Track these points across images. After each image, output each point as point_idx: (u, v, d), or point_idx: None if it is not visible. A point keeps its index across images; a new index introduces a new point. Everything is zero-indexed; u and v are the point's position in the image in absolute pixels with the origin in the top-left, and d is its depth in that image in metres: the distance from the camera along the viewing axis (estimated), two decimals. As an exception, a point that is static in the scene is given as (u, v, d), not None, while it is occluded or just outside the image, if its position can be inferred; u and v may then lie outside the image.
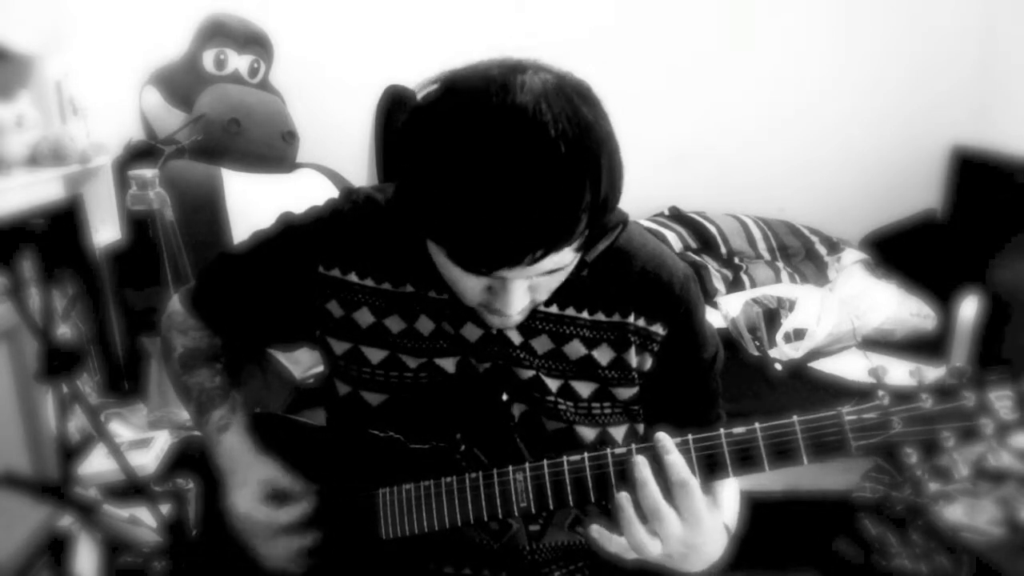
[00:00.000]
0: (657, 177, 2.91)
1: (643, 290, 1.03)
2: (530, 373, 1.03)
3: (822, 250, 2.83)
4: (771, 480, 1.02)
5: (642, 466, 0.86)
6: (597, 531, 0.87)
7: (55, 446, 1.79)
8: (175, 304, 1.23)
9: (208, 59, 2.56)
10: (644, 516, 0.86)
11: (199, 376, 1.17)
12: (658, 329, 1.03)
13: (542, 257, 0.80)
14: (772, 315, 2.38)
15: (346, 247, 1.07)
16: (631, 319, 1.03)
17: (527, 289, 0.90)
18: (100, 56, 2.26)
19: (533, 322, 1.03)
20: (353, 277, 1.07)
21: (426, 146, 0.81)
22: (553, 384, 1.03)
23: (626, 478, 0.88)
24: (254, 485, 1.07)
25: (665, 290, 1.04)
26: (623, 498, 0.86)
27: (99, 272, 2.11)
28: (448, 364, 1.04)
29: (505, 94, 0.78)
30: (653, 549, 0.85)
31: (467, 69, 0.84)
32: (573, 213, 0.79)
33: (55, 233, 1.89)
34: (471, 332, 1.04)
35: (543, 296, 0.94)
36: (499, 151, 0.77)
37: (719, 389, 1.11)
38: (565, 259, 0.85)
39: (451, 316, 1.03)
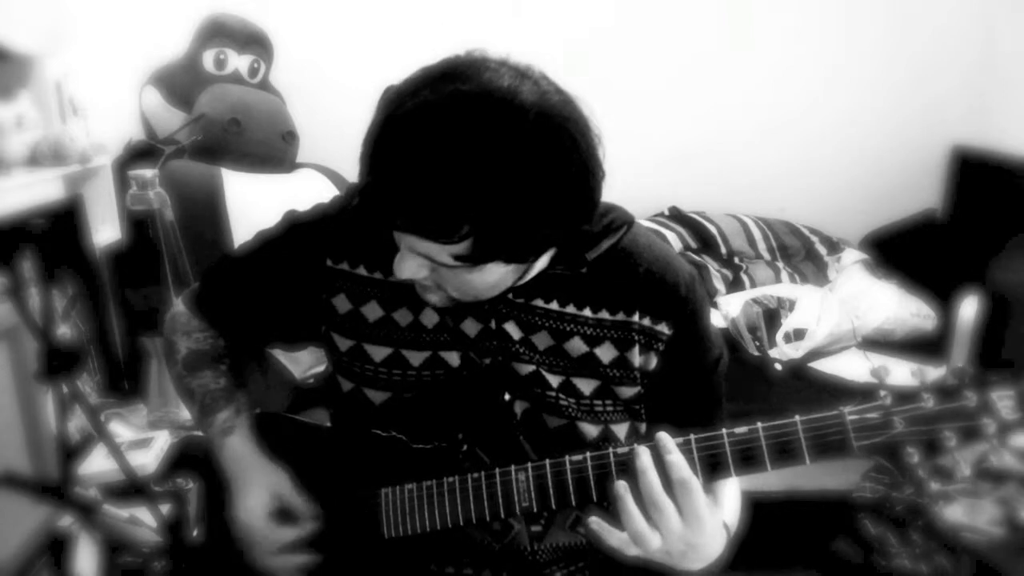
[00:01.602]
0: (657, 177, 2.91)
1: (649, 290, 1.03)
2: (530, 368, 1.03)
3: (822, 250, 2.84)
4: (771, 480, 1.02)
5: (643, 455, 0.87)
6: (596, 523, 0.88)
7: (55, 446, 1.78)
8: (179, 306, 1.23)
9: (208, 59, 2.56)
10: (644, 508, 0.86)
11: (203, 378, 1.17)
12: (663, 328, 1.03)
13: (405, 229, 0.85)
14: (772, 315, 2.39)
15: (354, 241, 1.08)
16: (636, 318, 1.03)
17: (421, 266, 0.91)
18: (100, 56, 2.26)
19: (532, 318, 1.03)
20: (362, 270, 1.07)
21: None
22: (554, 380, 1.03)
23: (628, 477, 0.88)
24: (260, 496, 1.07)
25: (671, 290, 1.04)
26: (621, 487, 0.87)
27: (99, 272, 2.10)
28: (452, 357, 1.05)
29: (438, 88, 0.82)
30: (653, 542, 0.85)
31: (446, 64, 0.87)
32: (432, 209, 0.82)
33: (55, 233, 1.89)
34: (471, 327, 1.04)
35: (453, 290, 0.95)
36: (404, 132, 0.82)
37: (723, 393, 1.11)
38: (435, 252, 0.86)
39: (452, 310, 1.03)
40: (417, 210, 0.82)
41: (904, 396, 0.82)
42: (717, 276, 2.67)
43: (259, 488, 1.08)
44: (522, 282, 0.99)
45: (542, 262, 0.99)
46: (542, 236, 0.88)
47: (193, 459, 1.88)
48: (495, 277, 0.92)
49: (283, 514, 1.08)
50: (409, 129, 0.81)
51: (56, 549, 1.69)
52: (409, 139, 0.81)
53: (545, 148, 0.82)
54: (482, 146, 0.79)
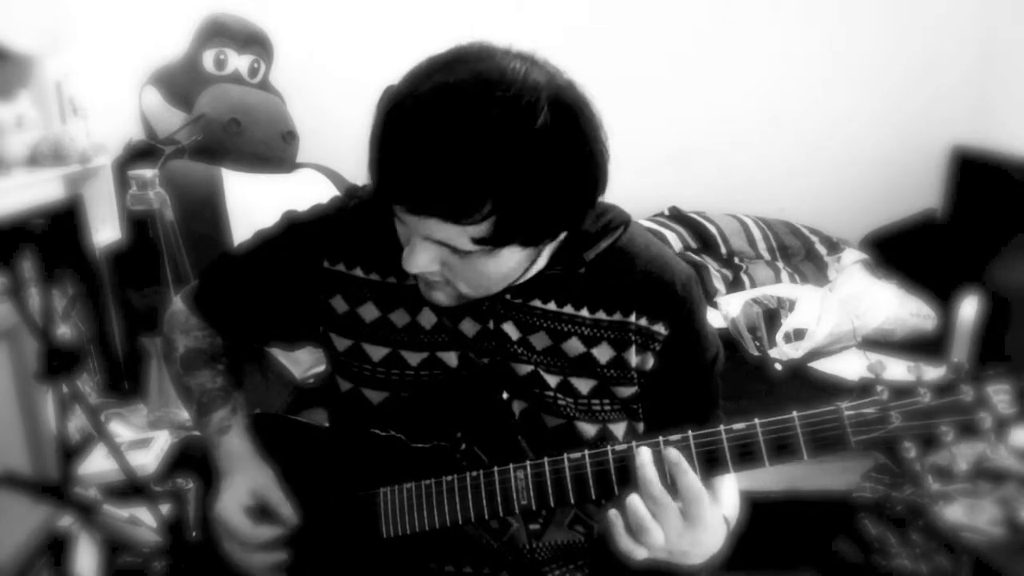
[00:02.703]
0: (657, 177, 2.91)
1: (645, 290, 1.03)
2: (528, 368, 1.03)
3: (822, 250, 2.84)
4: (771, 480, 1.02)
5: (642, 453, 0.87)
6: (615, 515, 0.87)
7: (55, 446, 1.78)
8: (177, 304, 1.23)
9: (208, 59, 2.57)
10: (647, 506, 0.86)
11: (200, 377, 1.17)
12: (660, 329, 1.03)
13: (426, 211, 0.84)
14: (772, 315, 2.39)
15: (351, 242, 1.08)
16: (632, 318, 1.03)
17: (433, 259, 0.91)
18: (100, 56, 2.26)
19: (530, 318, 1.03)
20: (358, 272, 1.07)
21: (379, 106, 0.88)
22: (552, 380, 1.04)
23: (627, 474, 0.89)
24: (242, 492, 1.07)
25: (667, 290, 1.04)
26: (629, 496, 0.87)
27: (99, 272, 2.11)
28: (450, 358, 1.05)
29: (449, 71, 0.83)
30: (655, 535, 0.85)
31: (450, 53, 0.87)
32: (456, 187, 0.81)
33: (55, 233, 1.89)
34: (469, 327, 1.04)
35: (464, 285, 0.94)
36: (417, 109, 0.82)
37: (719, 391, 1.11)
38: (454, 236, 0.86)
39: (450, 311, 1.03)
40: (440, 189, 0.82)
41: (901, 391, 0.82)
42: (717, 276, 2.67)
43: (240, 485, 1.08)
44: (522, 280, 0.99)
45: (542, 261, 0.99)
46: (558, 215, 0.88)
47: (193, 459, 1.88)
48: (509, 265, 0.92)
49: (262, 513, 1.08)
50: (427, 109, 0.81)
51: (56, 549, 1.69)
52: (428, 119, 0.81)
53: (561, 126, 0.83)
54: (502, 124, 0.80)
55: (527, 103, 0.81)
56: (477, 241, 0.85)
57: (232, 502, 1.06)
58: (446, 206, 0.82)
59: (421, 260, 0.91)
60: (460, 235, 0.85)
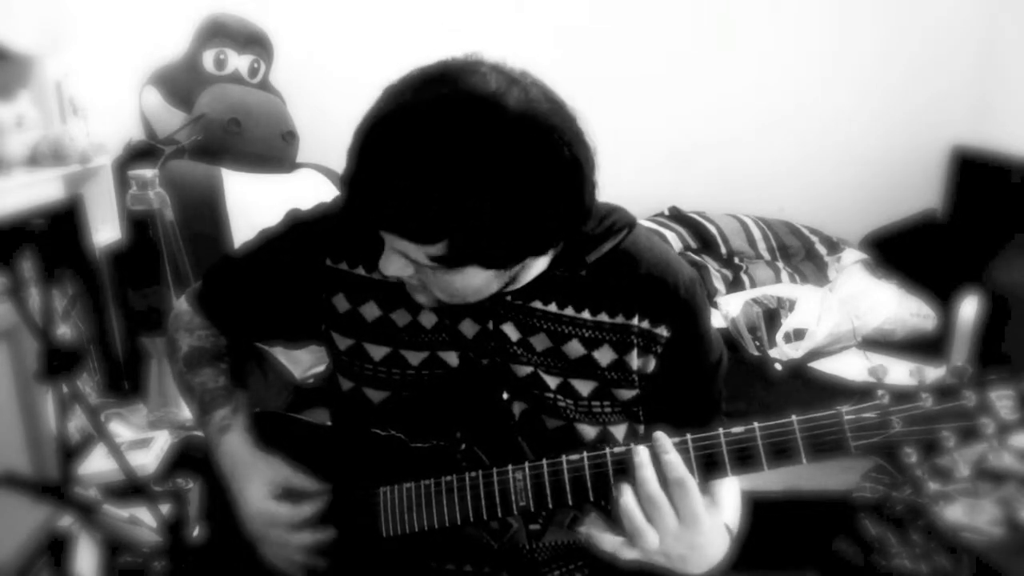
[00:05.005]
0: (657, 177, 2.91)
1: (648, 292, 1.03)
2: (528, 370, 1.03)
3: (822, 250, 2.83)
4: (771, 480, 1.01)
5: (641, 452, 0.87)
6: (587, 533, 0.88)
7: (55, 446, 1.78)
8: (182, 304, 1.24)
9: (208, 59, 2.56)
10: (642, 506, 0.86)
11: (203, 376, 1.18)
12: (662, 331, 1.03)
13: (383, 227, 0.86)
14: (772, 315, 2.39)
15: (353, 241, 1.08)
16: (635, 321, 1.03)
17: (405, 266, 0.92)
18: (100, 56, 2.26)
19: (531, 319, 1.03)
20: (361, 271, 1.08)
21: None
22: (552, 381, 1.04)
23: (625, 477, 0.88)
24: (263, 483, 1.07)
25: (670, 292, 1.03)
26: (623, 487, 0.87)
27: (99, 272, 2.10)
28: (451, 358, 1.05)
29: (421, 90, 0.83)
30: (650, 540, 0.85)
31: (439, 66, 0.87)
32: (408, 210, 0.82)
33: (55, 233, 1.88)
34: (468, 328, 1.04)
35: (439, 292, 0.94)
36: (389, 128, 0.83)
37: (722, 395, 1.11)
38: (412, 251, 0.87)
39: (449, 311, 1.04)
40: (392, 209, 0.83)
41: (902, 396, 0.81)
42: (717, 276, 2.67)
43: (257, 480, 1.08)
44: (517, 286, 0.99)
45: (539, 265, 0.99)
46: (521, 244, 0.88)
47: (193, 459, 1.88)
48: (477, 281, 0.92)
49: (292, 496, 1.08)
50: (388, 130, 0.82)
51: (56, 549, 1.69)
52: (387, 139, 0.82)
53: (525, 155, 0.81)
54: (458, 149, 0.80)
55: (488, 130, 0.80)
56: (433, 259, 0.86)
57: (257, 494, 1.07)
58: (400, 226, 0.84)
59: (392, 266, 0.93)
60: (417, 251, 0.86)
